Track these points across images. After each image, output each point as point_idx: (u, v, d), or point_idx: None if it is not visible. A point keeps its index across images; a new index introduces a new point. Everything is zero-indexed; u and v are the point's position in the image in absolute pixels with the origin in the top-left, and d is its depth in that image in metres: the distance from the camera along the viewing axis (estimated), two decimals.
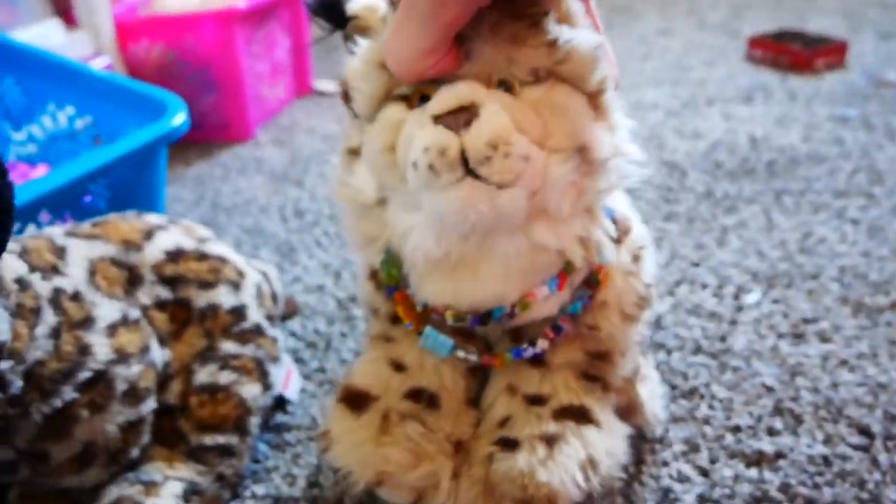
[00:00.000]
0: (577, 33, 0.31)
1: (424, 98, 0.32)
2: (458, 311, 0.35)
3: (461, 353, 0.37)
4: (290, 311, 0.60)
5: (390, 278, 0.37)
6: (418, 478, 0.35)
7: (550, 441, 0.35)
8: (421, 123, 0.31)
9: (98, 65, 0.87)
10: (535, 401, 0.37)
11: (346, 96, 0.35)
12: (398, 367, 0.39)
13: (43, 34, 0.85)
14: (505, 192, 0.30)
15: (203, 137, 1.00)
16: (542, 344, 0.37)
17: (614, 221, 0.37)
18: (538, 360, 0.38)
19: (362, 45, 0.34)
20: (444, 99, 0.30)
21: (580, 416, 0.37)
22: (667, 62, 1.18)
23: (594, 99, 0.32)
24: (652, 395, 0.44)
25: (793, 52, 1.07)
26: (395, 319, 0.40)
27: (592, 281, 0.37)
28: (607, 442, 0.36)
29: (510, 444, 0.36)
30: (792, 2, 1.48)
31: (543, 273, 0.35)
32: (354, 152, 0.35)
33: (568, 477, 0.33)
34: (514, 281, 0.34)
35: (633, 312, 0.38)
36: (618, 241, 0.37)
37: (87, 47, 0.90)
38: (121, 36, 0.95)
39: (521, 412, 0.37)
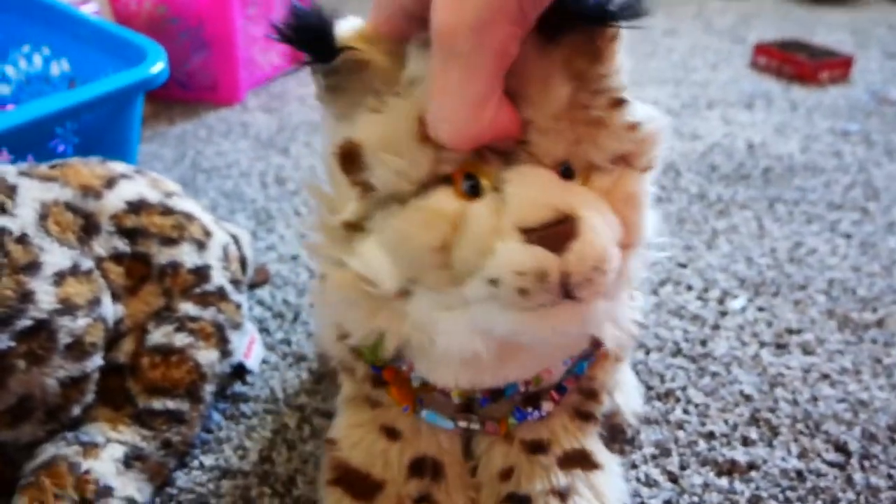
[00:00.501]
0: (643, 109, 0.28)
1: (469, 179, 0.26)
2: (464, 391, 0.33)
3: (463, 424, 0.35)
4: (261, 280, 0.58)
5: (375, 359, 0.33)
6: None
7: (563, 496, 0.34)
8: (501, 231, 0.25)
9: (86, 11, 0.83)
10: (536, 448, 0.36)
11: (348, 161, 0.27)
12: (391, 433, 0.35)
13: None
14: (593, 307, 0.26)
15: (190, 97, 0.96)
16: (546, 407, 0.35)
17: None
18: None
19: (392, 105, 0.26)
20: (535, 205, 0.24)
21: (585, 461, 0.36)
22: (671, 62, 1.16)
23: (642, 174, 0.29)
24: (628, 400, 0.43)
25: (798, 62, 1.05)
26: (375, 382, 0.35)
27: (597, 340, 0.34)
28: (613, 485, 0.36)
29: (522, 502, 0.34)
30: (800, 13, 1.46)
31: (569, 353, 0.33)
32: (353, 227, 0.28)
33: None
34: (538, 363, 0.32)
35: (624, 356, 0.38)
36: None
37: None
38: None
39: (525, 463, 0.35)
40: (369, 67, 0.27)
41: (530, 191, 0.25)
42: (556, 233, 0.24)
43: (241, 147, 0.83)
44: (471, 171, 0.26)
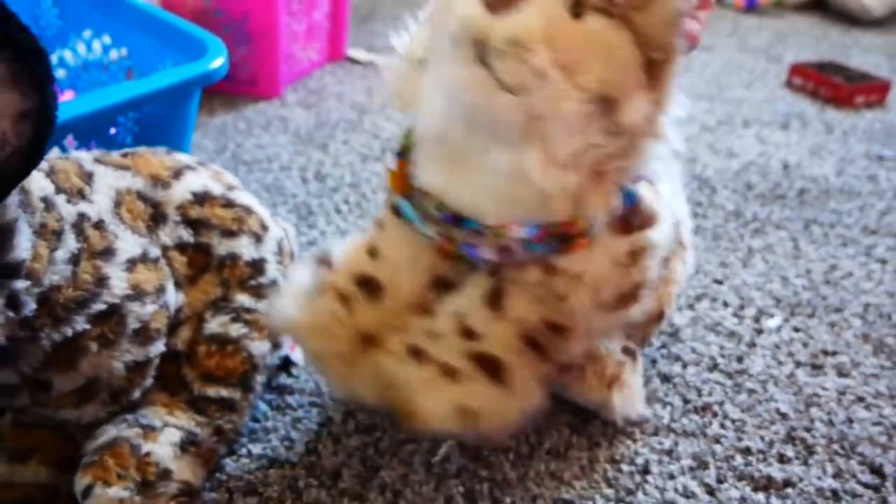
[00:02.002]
0: None
1: None
2: (440, 203, 0.36)
3: (424, 229, 0.37)
4: None
5: (405, 145, 0.38)
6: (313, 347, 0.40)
7: (452, 374, 0.36)
8: None
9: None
10: (467, 334, 0.37)
11: None
12: (371, 252, 0.41)
13: None
14: (504, 95, 0.30)
15: (230, 90, 0.98)
16: (487, 253, 0.36)
17: (634, 210, 0.36)
18: (497, 299, 0.37)
19: None
20: None
21: (492, 368, 0.36)
22: (705, 77, 1.16)
23: (654, 66, 0.30)
24: (624, 403, 0.44)
25: (834, 84, 1.05)
26: (393, 210, 0.40)
27: (564, 239, 0.35)
28: (499, 403, 0.36)
29: (416, 354, 0.37)
30: (837, 35, 1.46)
31: (523, 207, 0.34)
32: (419, 63, 0.35)
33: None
34: (495, 202, 0.34)
35: (610, 302, 0.37)
36: (624, 230, 0.35)
37: None
38: None
39: (448, 333, 0.37)
40: None
41: None
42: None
43: (280, 141, 0.85)
44: None
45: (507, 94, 0.29)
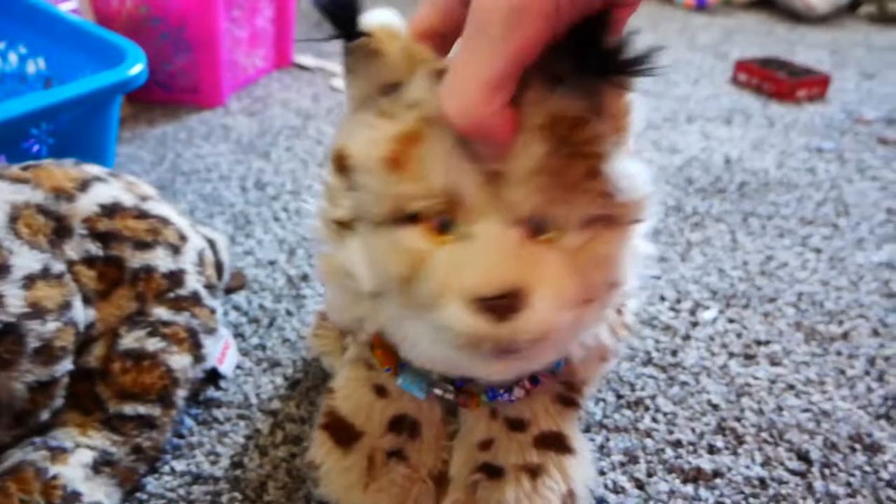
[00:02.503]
0: (628, 170, 0.27)
1: (444, 226, 0.27)
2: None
3: (438, 392, 0.37)
4: (238, 285, 0.58)
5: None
6: None
7: (534, 473, 0.36)
8: (452, 291, 0.26)
9: (64, 9, 0.83)
10: (516, 426, 0.38)
11: (340, 165, 0.29)
12: (380, 391, 0.39)
13: None
14: (538, 361, 0.30)
15: (171, 99, 0.96)
16: (518, 393, 0.37)
17: None
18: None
19: (380, 126, 0.27)
20: (487, 276, 0.25)
21: (559, 444, 0.38)
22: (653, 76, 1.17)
23: (629, 226, 0.29)
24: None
25: (777, 79, 1.07)
26: (373, 347, 0.39)
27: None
28: (583, 472, 0.38)
29: (494, 472, 0.37)
30: (783, 32, 1.49)
31: (541, 366, 0.34)
32: (344, 225, 0.30)
33: None
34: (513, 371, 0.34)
35: (609, 357, 0.39)
36: None
37: None
38: None
39: (504, 438, 0.38)
40: (382, 59, 0.28)
41: (488, 257, 0.26)
42: (501, 306, 0.25)
43: (221, 150, 0.83)
44: (445, 214, 0.26)
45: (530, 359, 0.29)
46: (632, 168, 0.27)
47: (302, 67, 1.13)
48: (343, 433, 0.38)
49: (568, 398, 0.40)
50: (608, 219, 0.28)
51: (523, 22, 0.23)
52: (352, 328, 0.37)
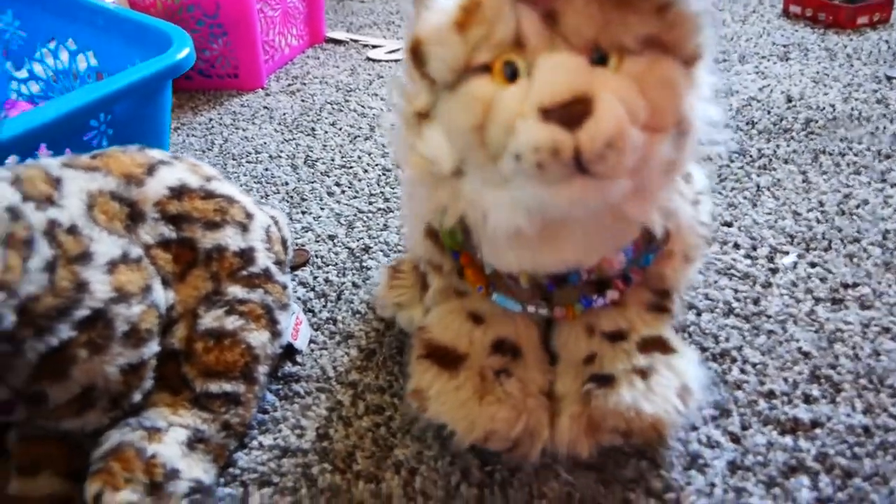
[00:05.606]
0: None
1: (509, 65, 0.29)
2: (534, 275, 0.35)
3: (532, 309, 0.37)
4: (301, 261, 0.58)
5: (454, 244, 0.38)
6: (522, 431, 0.36)
7: (644, 374, 0.37)
8: (523, 112, 0.27)
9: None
10: (617, 337, 0.39)
11: (415, 56, 0.31)
12: (477, 318, 0.39)
13: None
14: (614, 185, 0.29)
15: (213, 85, 0.96)
16: (612, 295, 0.37)
17: None
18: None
19: (434, 6, 0.30)
20: (554, 88, 0.27)
21: (662, 346, 0.38)
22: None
23: (688, 65, 0.30)
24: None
25: (834, 7, 1.00)
26: (461, 273, 0.39)
27: (663, 235, 0.36)
28: (691, 367, 0.38)
29: (606, 381, 0.37)
30: None
31: (623, 241, 0.35)
32: (423, 115, 0.32)
33: (669, 405, 0.35)
34: (595, 249, 0.34)
35: (694, 255, 0.39)
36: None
37: None
38: None
39: (607, 349, 0.38)
40: None
41: (554, 75, 0.27)
42: (570, 112, 0.26)
43: (267, 131, 0.83)
44: (509, 60, 0.28)
45: (615, 181, 0.28)
46: None
47: (336, 42, 1.11)
48: (446, 358, 0.38)
49: (661, 305, 0.40)
50: (665, 45, 0.29)
51: None
52: (434, 261, 0.39)
